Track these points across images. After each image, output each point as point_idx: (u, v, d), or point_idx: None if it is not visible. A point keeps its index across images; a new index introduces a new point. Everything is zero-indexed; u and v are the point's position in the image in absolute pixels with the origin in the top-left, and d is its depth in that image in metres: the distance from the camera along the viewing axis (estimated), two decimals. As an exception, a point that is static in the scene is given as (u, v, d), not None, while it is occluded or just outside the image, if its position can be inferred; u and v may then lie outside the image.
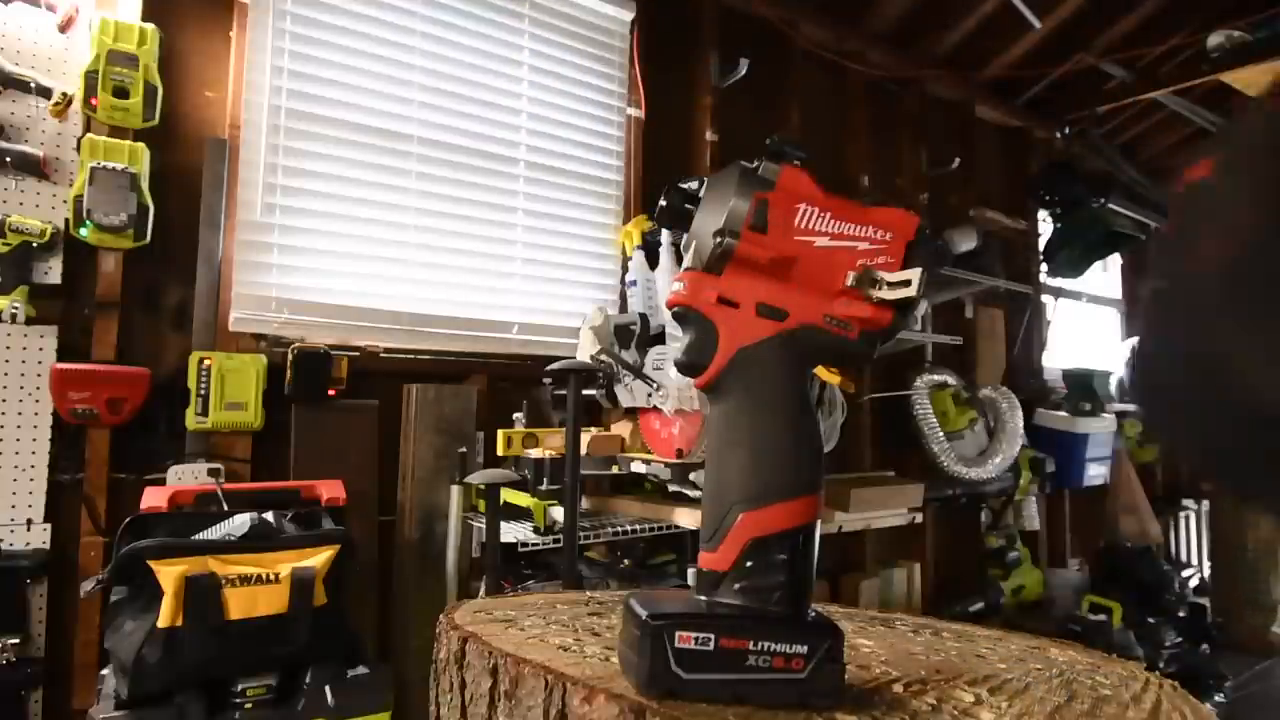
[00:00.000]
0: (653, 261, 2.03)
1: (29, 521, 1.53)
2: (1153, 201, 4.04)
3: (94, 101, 1.56)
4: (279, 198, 1.82)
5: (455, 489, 1.78)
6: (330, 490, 1.59)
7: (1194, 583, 4.11)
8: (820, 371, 1.81)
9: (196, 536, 1.32)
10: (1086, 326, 4.39)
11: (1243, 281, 0.21)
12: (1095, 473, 3.50)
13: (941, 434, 2.80)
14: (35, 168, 1.56)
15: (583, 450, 1.63)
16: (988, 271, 3.09)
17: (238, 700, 1.25)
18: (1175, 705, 0.51)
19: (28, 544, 1.53)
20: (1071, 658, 0.62)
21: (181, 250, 1.71)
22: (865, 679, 0.53)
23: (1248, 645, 3.88)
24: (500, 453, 1.75)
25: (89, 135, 1.57)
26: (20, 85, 1.55)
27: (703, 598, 0.50)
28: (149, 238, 1.62)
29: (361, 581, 1.78)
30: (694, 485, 1.63)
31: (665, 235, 1.97)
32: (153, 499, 1.45)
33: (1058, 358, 3.91)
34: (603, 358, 1.70)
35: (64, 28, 1.61)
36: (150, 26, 1.63)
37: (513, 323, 2.14)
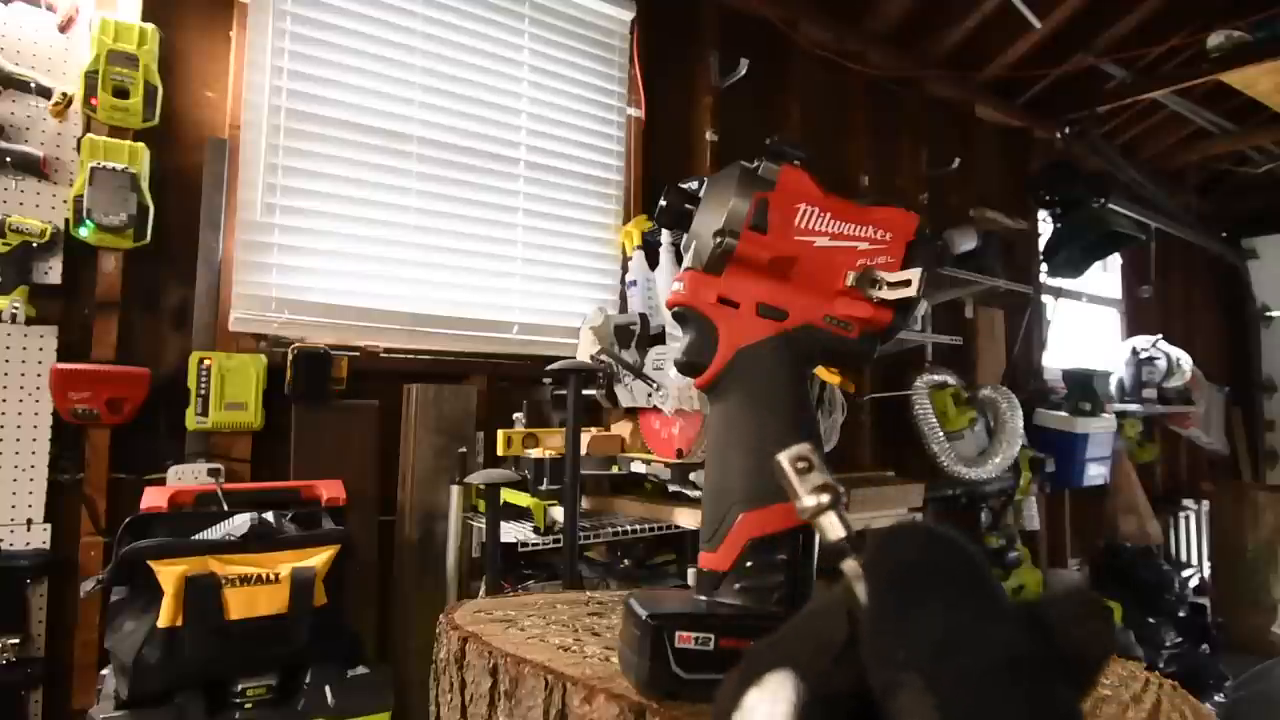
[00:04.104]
0: (653, 261, 2.03)
1: (29, 521, 1.53)
2: (1153, 201, 4.05)
3: (94, 101, 1.56)
4: (279, 198, 1.82)
5: (455, 489, 1.78)
6: (330, 490, 1.60)
7: (1194, 583, 4.10)
8: (820, 371, 1.81)
9: (196, 536, 1.32)
10: (1086, 326, 4.39)
11: None
12: (1095, 473, 3.50)
13: (941, 434, 2.80)
14: (35, 168, 1.55)
15: (583, 450, 1.63)
16: (988, 271, 3.09)
17: (238, 700, 1.25)
18: (1175, 705, 0.51)
19: (28, 544, 1.52)
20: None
21: (181, 250, 1.71)
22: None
23: (1248, 645, 3.89)
24: (500, 453, 1.75)
25: (89, 135, 1.57)
26: (20, 85, 1.55)
27: (703, 598, 0.50)
28: (149, 238, 1.62)
29: (361, 581, 1.78)
30: (694, 485, 1.63)
31: (665, 235, 1.97)
32: (153, 499, 1.45)
33: (1058, 358, 3.91)
34: (603, 358, 1.70)
35: (64, 28, 1.61)
36: (150, 26, 1.63)
37: (513, 323, 2.14)
